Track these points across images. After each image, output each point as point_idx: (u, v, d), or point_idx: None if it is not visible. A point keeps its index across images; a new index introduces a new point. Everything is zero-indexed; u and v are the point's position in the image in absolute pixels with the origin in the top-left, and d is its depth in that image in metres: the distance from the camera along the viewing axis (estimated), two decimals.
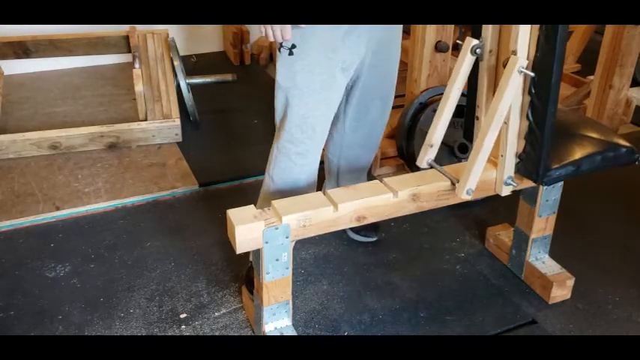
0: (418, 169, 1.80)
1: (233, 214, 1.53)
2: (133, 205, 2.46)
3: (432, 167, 1.73)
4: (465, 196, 1.63)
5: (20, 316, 1.88)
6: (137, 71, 3.04)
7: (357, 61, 1.80)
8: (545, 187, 1.88)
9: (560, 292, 1.97)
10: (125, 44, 3.56)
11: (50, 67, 3.68)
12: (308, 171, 1.84)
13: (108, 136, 2.82)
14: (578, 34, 3.69)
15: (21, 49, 3.42)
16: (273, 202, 1.57)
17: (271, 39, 1.64)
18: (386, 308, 1.95)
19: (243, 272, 1.98)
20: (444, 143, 2.02)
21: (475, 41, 1.59)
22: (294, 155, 1.79)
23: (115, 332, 1.84)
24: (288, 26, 1.60)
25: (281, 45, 1.68)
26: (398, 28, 1.92)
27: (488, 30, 1.57)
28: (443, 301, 1.99)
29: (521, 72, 1.50)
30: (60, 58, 3.56)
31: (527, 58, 1.50)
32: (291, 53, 1.68)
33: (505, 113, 1.56)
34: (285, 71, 1.73)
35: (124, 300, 1.96)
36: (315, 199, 1.60)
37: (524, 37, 1.49)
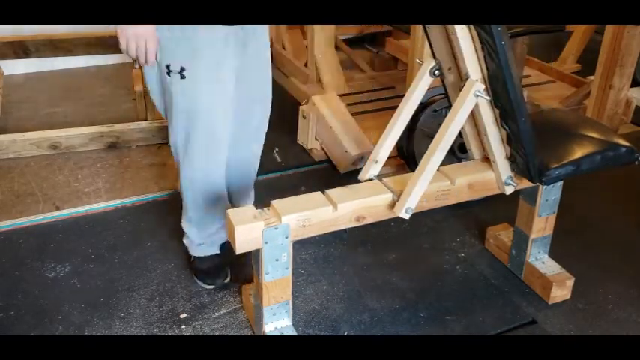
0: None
1: (233, 214, 1.53)
2: (133, 205, 2.46)
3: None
4: (403, 215, 1.58)
5: (20, 316, 1.88)
6: (137, 71, 3.04)
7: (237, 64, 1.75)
8: (544, 187, 1.88)
9: (560, 292, 1.97)
10: None
11: (50, 67, 3.68)
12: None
13: (108, 136, 2.82)
14: (578, 34, 3.69)
15: (21, 49, 3.41)
16: (272, 202, 1.57)
17: (132, 55, 1.57)
18: (386, 308, 1.95)
19: (240, 272, 1.98)
20: None
21: (433, 62, 1.60)
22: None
23: (115, 332, 1.84)
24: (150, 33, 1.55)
25: (169, 69, 1.63)
26: (264, 31, 1.84)
27: (441, 49, 1.57)
28: (443, 301, 1.99)
29: (478, 96, 1.51)
30: (60, 58, 3.56)
31: (483, 76, 1.50)
32: (182, 77, 1.64)
33: (456, 133, 1.56)
34: (182, 95, 1.68)
35: (124, 300, 1.96)
36: (315, 199, 1.60)
37: (470, 57, 1.49)
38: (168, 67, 1.64)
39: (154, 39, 1.58)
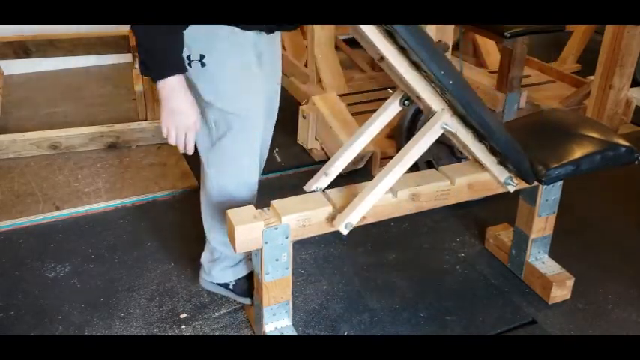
0: (418, 169, 1.80)
1: (233, 214, 1.53)
2: (133, 205, 2.46)
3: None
4: (343, 230, 1.53)
5: (20, 316, 1.88)
6: (137, 71, 3.04)
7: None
8: (544, 187, 1.88)
9: (560, 292, 1.97)
10: (125, 44, 3.56)
11: (50, 67, 3.68)
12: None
13: (108, 136, 2.82)
14: (578, 34, 3.69)
15: (21, 49, 3.42)
16: (272, 202, 1.57)
17: (171, 142, 1.54)
18: (386, 308, 1.95)
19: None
20: (443, 143, 2.02)
21: (401, 93, 1.60)
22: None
23: (115, 332, 1.84)
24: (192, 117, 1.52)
25: (189, 60, 1.54)
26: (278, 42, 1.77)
27: (399, 82, 1.57)
28: (443, 301, 1.99)
29: (444, 129, 1.51)
30: (60, 58, 3.56)
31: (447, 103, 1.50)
32: (203, 64, 1.56)
33: (414, 161, 1.54)
34: (207, 85, 1.59)
35: (124, 300, 1.96)
36: (315, 199, 1.60)
37: (423, 89, 1.49)
38: (188, 57, 1.54)
39: (195, 131, 1.55)
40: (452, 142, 2.32)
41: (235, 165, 1.69)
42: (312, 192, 1.65)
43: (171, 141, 1.56)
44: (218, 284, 1.91)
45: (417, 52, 1.35)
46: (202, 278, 1.94)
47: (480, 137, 1.57)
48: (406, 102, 1.59)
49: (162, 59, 1.45)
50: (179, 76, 1.47)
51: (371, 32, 1.38)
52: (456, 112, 1.52)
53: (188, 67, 1.55)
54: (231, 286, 1.90)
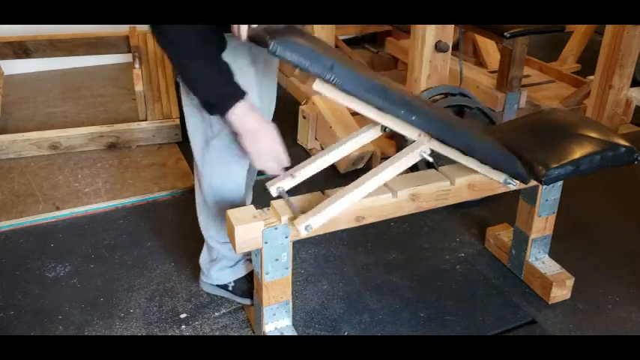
0: (417, 169, 1.80)
1: (232, 214, 1.53)
2: (133, 205, 2.46)
3: (280, 196, 1.60)
4: (302, 232, 1.50)
5: (20, 316, 1.89)
6: (137, 71, 3.04)
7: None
8: (544, 187, 1.88)
9: (560, 292, 1.97)
10: (125, 44, 3.56)
11: (50, 67, 3.68)
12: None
13: (108, 136, 2.82)
14: (578, 34, 3.69)
15: (21, 49, 3.42)
16: (272, 202, 1.57)
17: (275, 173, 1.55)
18: (386, 308, 1.95)
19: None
20: None
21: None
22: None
23: (115, 332, 1.84)
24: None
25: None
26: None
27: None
28: (443, 301, 1.99)
29: (422, 156, 1.53)
30: (60, 58, 3.56)
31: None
32: None
33: (385, 180, 1.56)
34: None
35: (124, 300, 1.96)
36: (315, 199, 1.60)
37: (397, 127, 1.52)
38: None
39: (283, 148, 1.55)
40: None
41: (229, 165, 1.69)
42: (273, 193, 1.61)
43: (271, 170, 1.56)
44: (217, 286, 1.91)
45: (371, 103, 1.39)
46: (202, 281, 1.94)
47: (465, 154, 1.58)
48: (386, 129, 1.60)
49: (220, 93, 1.45)
50: (243, 101, 1.46)
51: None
52: (433, 136, 1.54)
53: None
54: (230, 288, 1.90)
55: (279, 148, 1.55)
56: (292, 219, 1.52)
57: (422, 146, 1.52)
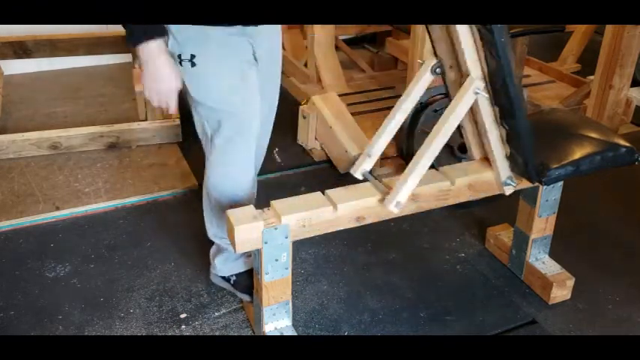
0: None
1: (233, 214, 1.53)
2: (133, 205, 2.46)
3: (365, 179, 1.66)
4: (393, 209, 1.56)
5: (20, 316, 1.88)
6: (137, 71, 3.04)
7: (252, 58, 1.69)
8: (545, 187, 1.88)
9: (560, 292, 1.97)
10: (125, 44, 3.56)
11: (50, 67, 3.68)
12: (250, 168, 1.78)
13: (108, 136, 2.82)
14: (578, 34, 3.69)
15: (21, 49, 3.41)
16: (272, 202, 1.57)
17: (155, 104, 1.59)
18: (386, 308, 1.95)
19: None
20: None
21: (434, 60, 1.60)
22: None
23: (115, 332, 1.84)
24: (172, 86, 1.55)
25: (180, 59, 1.57)
26: (278, 34, 1.79)
27: (442, 47, 1.57)
28: (443, 301, 1.99)
29: (477, 94, 1.51)
30: (60, 58, 3.56)
31: (483, 74, 1.50)
32: (193, 64, 1.58)
33: (452, 130, 1.56)
34: (196, 84, 1.62)
35: (124, 300, 1.96)
36: (315, 199, 1.60)
37: (470, 55, 1.49)
38: (179, 57, 1.58)
39: (175, 97, 1.58)
40: (452, 142, 2.33)
41: (230, 163, 1.71)
42: (359, 177, 1.69)
43: (155, 104, 1.60)
44: (222, 278, 1.94)
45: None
46: (211, 272, 1.97)
47: (503, 117, 1.56)
48: (437, 70, 1.60)
49: (141, 27, 1.47)
50: (158, 40, 1.49)
51: None
52: (487, 87, 1.54)
53: (179, 65, 1.58)
54: (232, 281, 1.92)
55: (173, 96, 1.58)
56: (381, 200, 1.58)
57: (476, 83, 1.51)
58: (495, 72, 1.47)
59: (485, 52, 1.47)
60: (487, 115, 1.59)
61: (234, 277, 1.91)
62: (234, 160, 1.71)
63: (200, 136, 1.75)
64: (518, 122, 1.53)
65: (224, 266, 1.92)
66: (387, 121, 1.70)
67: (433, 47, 1.64)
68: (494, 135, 1.62)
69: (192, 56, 1.57)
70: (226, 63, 1.62)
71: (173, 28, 1.56)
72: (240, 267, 1.91)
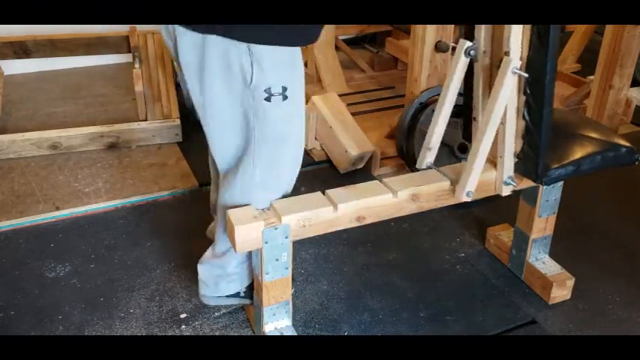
0: (418, 169, 1.80)
1: (233, 214, 1.53)
2: (133, 205, 2.46)
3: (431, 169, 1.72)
4: (464, 198, 1.63)
5: (20, 316, 1.88)
6: (137, 71, 3.04)
7: None
8: (545, 187, 1.88)
9: (560, 293, 1.97)
10: (125, 44, 3.56)
11: (50, 67, 3.68)
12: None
13: (108, 136, 2.82)
14: (578, 34, 3.68)
15: (21, 49, 3.42)
16: (272, 202, 1.57)
17: None
18: (386, 308, 1.95)
19: None
20: (444, 143, 2.02)
21: (468, 43, 1.59)
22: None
23: (115, 332, 1.84)
24: None
25: (270, 94, 1.37)
26: None
27: (481, 31, 1.57)
28: (443, 301, 1.99)
29: (515, 73, 1.50)
30: (60, 58, 3.56)
31: (521, 59, 1.50)
32: (285, 97, 1.40)
33: (501, 114, 1.56)
34: (283, 122, 1.46)
35: (124, 300, 1.96)
36: (315, 199, 1.60)
37: (516, 37, 1.48)
38: (267, 91, 1.34)
39: None
40: (452, 142, 2.33)
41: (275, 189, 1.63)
42: (425, 169, 1.73)
43: None
44: (228, 296, 1.82)
45: None
46: (205, 296, 1.82)
47: (528, 107, 1.56)
48: (471, 52, 1.59)
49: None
50: None
51: None
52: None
53: (266, 102, 1.34)
54: (242, 294, 1.82)
55: None
56: (452, 190, 1.66)
57: (514, 62, 1.49)
58: (537, 56, 1.47)
59: (531, 34, 1.46)
60: (512, 102, 1.57)
61: (243, 290, 1.82)
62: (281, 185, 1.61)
63: (231, 161, 1.57)
64: (544, 113, 1.52)
65: (231, 285, 1.79)
66: (437, 111, 1.70)
67: (466, 30, 1.63)
68: (511, 127, 1.61)
69: (284, 89, 1.35)
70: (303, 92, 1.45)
71: (256, 51, 1.27)
72: (249, 277, 1.80)
